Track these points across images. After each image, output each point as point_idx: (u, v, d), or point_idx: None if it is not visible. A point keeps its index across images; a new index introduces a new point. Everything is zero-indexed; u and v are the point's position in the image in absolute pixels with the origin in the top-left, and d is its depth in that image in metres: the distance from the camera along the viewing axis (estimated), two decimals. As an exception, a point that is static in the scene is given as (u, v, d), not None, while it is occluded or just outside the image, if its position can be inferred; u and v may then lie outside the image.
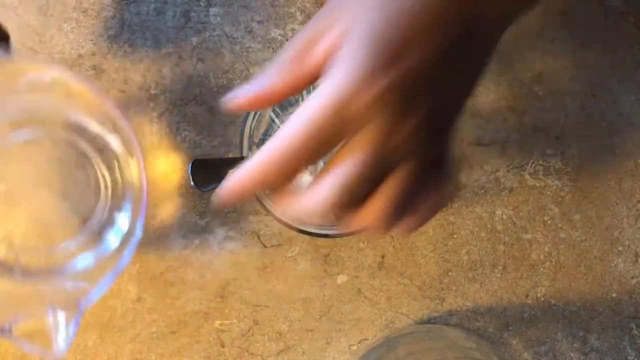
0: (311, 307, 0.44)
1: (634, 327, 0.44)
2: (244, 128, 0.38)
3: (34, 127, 0.37)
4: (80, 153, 0.38)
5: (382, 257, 0.44)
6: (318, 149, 0.25)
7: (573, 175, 0.44)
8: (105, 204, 0.38)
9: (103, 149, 0.38)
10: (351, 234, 0.37)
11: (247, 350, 0.44)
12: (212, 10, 0.43)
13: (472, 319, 0.44)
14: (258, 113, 0.38)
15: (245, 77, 0.44)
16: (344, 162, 0.25)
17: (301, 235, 0.44)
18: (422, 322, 0.44)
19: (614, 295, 0.44)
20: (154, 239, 0.44)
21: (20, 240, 0.37)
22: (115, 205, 0.38)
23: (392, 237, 0.44)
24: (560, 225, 0.44)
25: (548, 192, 0.44)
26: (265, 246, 0.44)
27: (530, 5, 0.28)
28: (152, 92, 0.43)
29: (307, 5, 0.44)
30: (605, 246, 0.44)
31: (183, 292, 0.44)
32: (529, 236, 0.44)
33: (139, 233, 0.32)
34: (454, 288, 0.44)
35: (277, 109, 0.40)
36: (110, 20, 0.44)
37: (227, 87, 0.44)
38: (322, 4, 0.44)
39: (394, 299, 0.44)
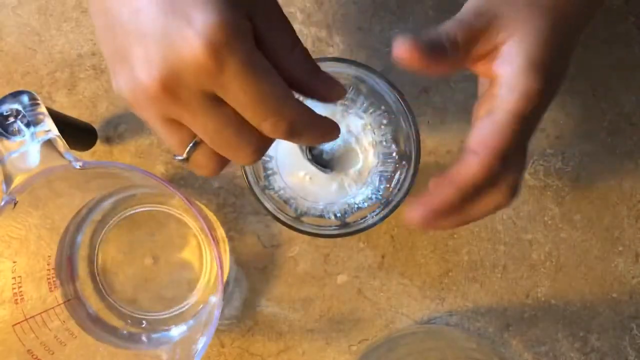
0: (311, 307, 0.44)
1: (635, 327, 0.44)
2: None
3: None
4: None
5: (382, 257, 0.44)
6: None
7: (573, 175, 0.44)
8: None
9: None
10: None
11: (247, 351, 0.44)
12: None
13: (473, 319, 0.44)
14: None
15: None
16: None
17: (301, 235, 0.44)
18: (422, 322, 0.44)
19: (614, 295, 0.44)
20: (154, 239, 0.44)
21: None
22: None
23: (392, 237, 0.44)
24: (560, 226, 0.44)
25: (548, 192, 0.44)
26: (265, 246, 0.44)
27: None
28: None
29: (307, 4, 0.44)
30: (606, 246, 0.44)
31: (183, 292, 0.44)
32: (529, 236, 0.44)
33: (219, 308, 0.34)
34: (454, 288, 0.44)
35: None
36: (110, 20, 0.44)
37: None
38: (322, 4, 0.44)
39: (394, 299, 0.44)
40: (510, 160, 0.28)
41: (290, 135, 0.25)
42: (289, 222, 0.37)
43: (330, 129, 0.27)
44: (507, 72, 0.27)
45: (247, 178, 0.37)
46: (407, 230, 0.44)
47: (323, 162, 0.39)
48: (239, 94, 0.23)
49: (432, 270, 0.44)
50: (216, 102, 0.23)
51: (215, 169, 0.27)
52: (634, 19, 0.44)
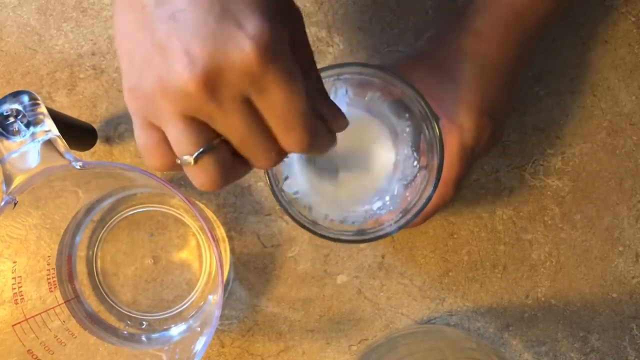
0: (311, 307, 0.44)
1: (635, 327, 0.44)
2: None
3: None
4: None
5: (382, 257, 0.44)
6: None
7: (573, 175, 0.44)
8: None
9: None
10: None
11: (247, 351, 0.44)
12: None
13: (473, 319, 0.44)
14: None
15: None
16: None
17: (301, 235, 0.44)
18: (422, 322, 0.44)
19: (614, 295, 0.44)
20: (154, 239, 0.44)
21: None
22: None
23: (392, 237, 0.44)
24: (560, 226, 0.44)
25: (548, 192, 0.44)
26: (265, 246, 0.44)
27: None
28: (152, 92, 0.43)
29: (307, 4, 0.44)
30: (606, 246, 0.44)
31: (183, 292, 0.44)
32: (529, 236, 0.44)
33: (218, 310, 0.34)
34: (454, 288, 0.44)
35: None
36: (110, 20, 0.44)
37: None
38: (321, 4, 0.44)
39: (394, 299, 0.44)
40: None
41: (306, 150, 0.25)
42: (306, 225, 0.36)
43: (334, 142, 0.28)
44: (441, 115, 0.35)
45: (268, 178, 0.37)
46: (407, 230, 0.44)
47: (329, 167, 0.39)
48: (276, 100, 0.23)
49: (432, 270, 0.44)
50: (249, 105, 0.24)
51: (219, 180, 0.26)
52: (634, 19, 0.44)
